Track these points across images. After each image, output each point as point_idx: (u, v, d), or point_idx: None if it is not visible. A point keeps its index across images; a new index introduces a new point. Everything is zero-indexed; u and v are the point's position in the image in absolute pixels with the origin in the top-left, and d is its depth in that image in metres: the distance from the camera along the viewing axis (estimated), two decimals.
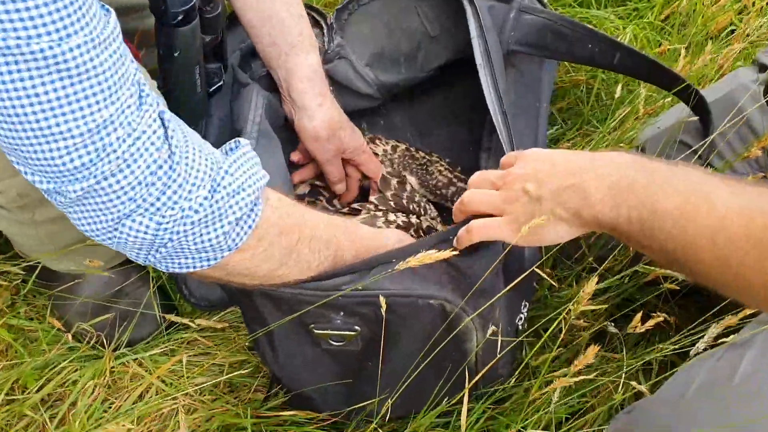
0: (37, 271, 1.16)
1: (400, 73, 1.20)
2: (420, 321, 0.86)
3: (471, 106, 1.20)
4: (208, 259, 0.75)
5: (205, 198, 0.70)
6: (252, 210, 0.74)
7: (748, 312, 0.86)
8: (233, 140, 0.78)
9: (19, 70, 0.57)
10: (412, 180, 1.19)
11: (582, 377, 0.81)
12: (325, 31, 1.16)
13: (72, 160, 0.63)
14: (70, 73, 0.59)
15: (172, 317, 1.10)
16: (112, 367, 1.12)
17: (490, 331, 0.88)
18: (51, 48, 0.57)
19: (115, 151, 0.64)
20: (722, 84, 1.18)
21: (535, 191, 0.77)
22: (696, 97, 1.09)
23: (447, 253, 0.80)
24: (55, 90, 0.59)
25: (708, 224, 0.65)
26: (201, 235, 0.72)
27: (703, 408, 0.77)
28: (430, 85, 1.26)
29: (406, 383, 0.90)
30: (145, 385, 1.10)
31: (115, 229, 0.69)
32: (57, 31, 0.57)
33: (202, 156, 0.71)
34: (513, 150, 0.92)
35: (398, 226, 1.05)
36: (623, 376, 0.96)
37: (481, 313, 0.86)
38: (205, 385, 1.10)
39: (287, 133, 1.12)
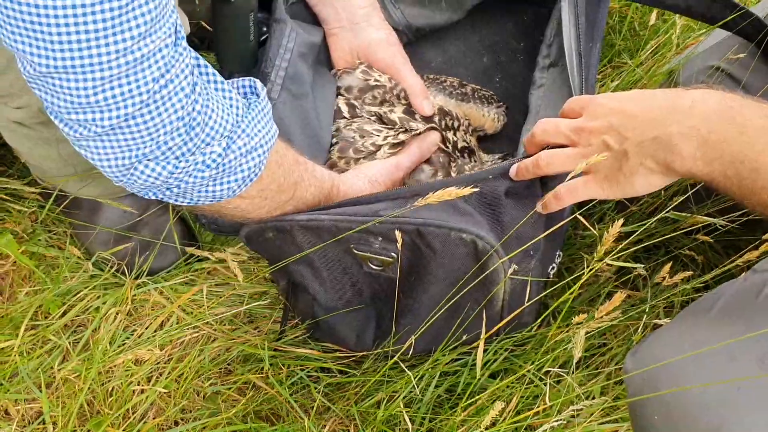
0: (53, 197, 1.16)
1: (436, 12, 1.15)
2: (451, 255, 0.86)
3: (515, 40, 1.20)
4: (209, 200, 0.76)
5: (219, 155, 0.71)
6: (259, 165, 0.75)
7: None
8: (250, 81, 0.77)
9: None
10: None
11: (603, 323, 0.80)
12: None
13: (104, 91, 0.61)
14: (120, 3, 0.58)
15: (193, 250, 1.10)
16: (134, 296, 1.14)
17: (520, 277, 0.88)
18: None
19: (149, 90, 0.63)
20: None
21: (617, 145, 0.74)
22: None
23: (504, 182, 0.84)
24: (104, 20, 0.58)
25: None
26: (208, 186, 0.73)
27: (728, 321, 0.76)
28: (461, 25, 1.21)
29: (432, 320, 0.90)
30: (166, 314, 1.12)
31: (129, 170, 0.69)
32: None
33: (223, 110, 0.70)
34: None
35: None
36: (645, 317, 0.96)
37: (515, 260, 0.86)
38: (225, 315, 1.11)
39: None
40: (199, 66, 0.71)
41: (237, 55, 1.04)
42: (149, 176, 0.69)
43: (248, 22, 1.00)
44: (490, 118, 1.13)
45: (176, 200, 0.76)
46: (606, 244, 0.74)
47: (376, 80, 1.07)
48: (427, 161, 1.05)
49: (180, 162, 0.69)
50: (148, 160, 0.68)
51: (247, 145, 0.73)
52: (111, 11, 0.58)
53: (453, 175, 1.04)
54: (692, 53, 1.13)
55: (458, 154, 1.07)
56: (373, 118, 1.05)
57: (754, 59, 1.07)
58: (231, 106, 0.72)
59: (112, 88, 0.62)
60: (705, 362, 0.73)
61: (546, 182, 0.88)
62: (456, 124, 1.08)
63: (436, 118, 1.06)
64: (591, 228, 0.84)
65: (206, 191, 0.74)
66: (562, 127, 0.81)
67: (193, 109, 0.67)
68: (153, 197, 0.75)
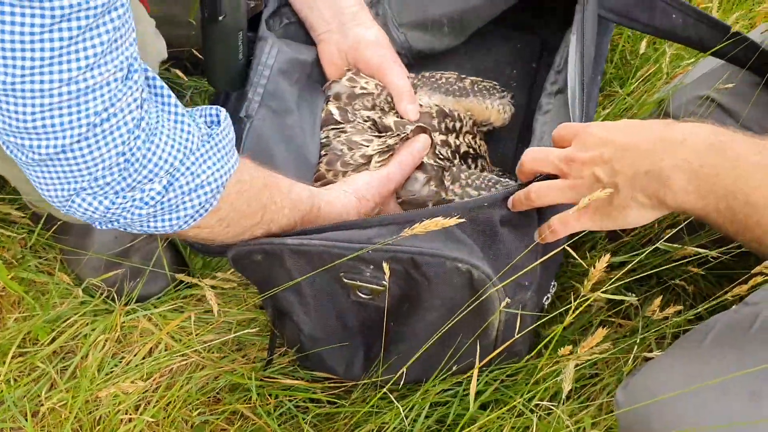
0: (41, 222, 1.15)
1: (437, 37, 1.14)
2: (446, 284, 0.85)
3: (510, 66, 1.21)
4: (157, 231, 0.75)
5: (158, 193, 0.69)
6: (209, 201, 0.73)
7: (760, 280, 0.84)
8: (216, 110, 0.76)
9: (33, 15, 0.55)
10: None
11: (593, 355, 0.80)
12: None
13: (43, 119, 0.61)
14: (71, 33, 0.57)
15: (182, 277, 1.09)
16: (123, 323, 1.13)
17: (515, 307, 0.87)
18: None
19: (89, 123, 0.62)
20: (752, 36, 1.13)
21: (608, 178, 0.74)
22: None
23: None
24: (51, 49, 0.57)
25: None
26: (149, 221, 0.72)
27: (719, 352, 0.76)
28: (456, 50, 1.21)
29: (424, 349, 0.90)
30: (154, 341, 1.11)
31: (68, 201, 0.68)
32: None
33: (172, 145, 0.69)
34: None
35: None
36: (635, 349, 0.95)
37: (510, 291, 0.86)
38: (213, 342, 1.10)
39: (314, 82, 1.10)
40: (157, 96, 0.70)
41: (227, 74, 1.04)
42: (86, 210, 0.68)
43: (237, 41, 1.01)
44: (494, 110, 1.08)
45: (126, 229, 0.74)
46: (593, 278, 0.74)
47: (362, 87, 1.05)
48: (420, 167, 1.02)
49: (117, 198, 0.68)
50: (86, 193, 0.67)
51: (190, 183, 0.71)
52: (60, 40, 0.57)
53: (446, 183, 1.01)
54: (681, 82, 1.14)
55: (459, 161, 1.04)
56: (367, 123, 1.03)
57: (746, 87, 1.08)
58: (186, 140, 0.70)
59: (52, 117, 0.61)
60: (697, 396, 0.73)
61: (542, 210, 0.88)
62: (458, 125, 1.05)
63: (435, 121, 1.03)
64: (580, 259, 0.83)
65: (148, 226, 0.73)
66: (552, 156, 0.80)
67: (135, 145, 0.66)
68: (101, 228, 0.73)
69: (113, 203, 0.68)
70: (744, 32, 1.05)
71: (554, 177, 0.81)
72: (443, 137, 1.03)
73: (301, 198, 0.88)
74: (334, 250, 0.84)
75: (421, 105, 1.04)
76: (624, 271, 0.95)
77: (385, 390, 0.93)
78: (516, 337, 0.88)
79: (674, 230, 0.98)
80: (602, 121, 1.27)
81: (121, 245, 1.17)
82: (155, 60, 0.99)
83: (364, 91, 1.05)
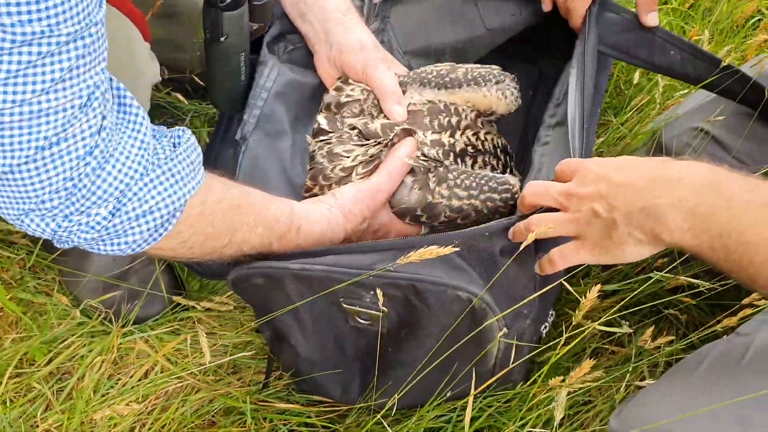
0: (40, 243, 1.16)
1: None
2: (446, 312, 0.86)
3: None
4: (111, 252, 0.74)
5: (104, 218, 0.69)
6: (163, 226, 0.73)
7: (749, 311, 0.86)
8: (179, 131, 0.76)
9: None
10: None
11: (585, 384, 0.80)
12: (365, 7, 1.11)
13: None
14: (30, 57, 0.58)
15: (179, 299, 1.10)
16: (120, 344, 1.14)
17: (514, 336, 0.88)
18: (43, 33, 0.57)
19: (38, 146, 0.63)
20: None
21: (606, 214, 0.75)
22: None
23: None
24: (8, 71, 0.58)
25: None
26: (98, 244, 0.72)
27: (712, 382, 0.77)
28: None
29: (422, 376, 0.90)
30: (150, 363, 1.11)
31: (19, 219, 0.68)
32: (48, 17, 0.58)
33: (122, 172, 0.69)
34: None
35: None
36: (628, 377, 0.96)
37: (509, 321, 0.86)
38: (209, 365, 1.11)
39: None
40: (127, 114, 0.70)
41: (228, 95, 1.05)
42: (36, 230, 0.69)
43: (239, 62, 1.02)
44: (494, 97, 1.01)
45: (85, 248, 0.74)
46: (584, 308, 0.75)
47: (347, 95, 1.03)
48: (409, 172, 0.97)
49: (64, 221, 0.68)
50: (34, 214, 0.68)
51: (137, 210, 0.71)
52: (18, 63, 0.58)
53: (431, 185, 0.97)
54: (674, 113, 1.15)
55: (454, 159, 0.99)
56: (354, 132, 0.99)
57: (739, 120, 1.10)
58: (139, 163, 0.70)
59: (2, 136, 0.61)
60: (689, 423, 0.74)
61: (540, 242, 0.89)
62: (455, 120, 1.00)
63: (426, 119, 0.99)
64: (573, 290, 0.84)
65: (98, 248, 0.73)
66: (551, 190, 0.82)
67: (83, 171, 0.66)
68: (60, 246, 0.73)
69: (59, 226, 0.69)
70: (735, 65, 1.08)
71: (555, 210, 0.83)
72: (435, 136, 0.98)
73: (278, 218, 0.86)
74: (335, 275, 0.85)
75: (412, 103, 1.00)
76: (617, 299, 0.96)
77: (379, 416, 0.94)
78: (513, 365, 0.89)
79: (666, 260, 1.00)
80: (597, 149, 1.29)
81: (119, 267, 1.18)
82: (148, 83, 0.99)
83: (350, 99, 1.02)
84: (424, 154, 0.97)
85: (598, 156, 1.29)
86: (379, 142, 0.98)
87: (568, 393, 0.93)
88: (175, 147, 0.74)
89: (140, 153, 0.70)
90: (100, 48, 0.65)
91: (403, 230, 0.99)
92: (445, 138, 0.99)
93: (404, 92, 1.01)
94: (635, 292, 1.01)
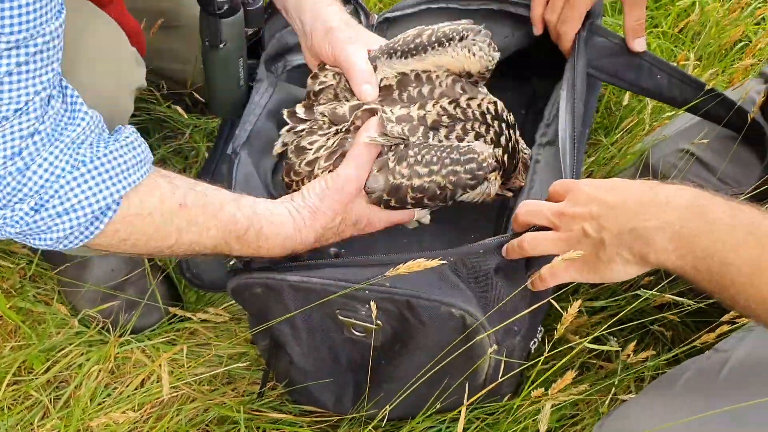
0: (39, 253, 1.19)
1: None
2: (439, 328, 0.88)
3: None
4: (44, 246, 0.76)
5: (26, 213, 0.71)
6: (91, 223, 0.74)
7: (726, 328, 0.89)
8: (122, 130, 0.78)
9: None
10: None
11: (570, 396, 0.83)
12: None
13: None
14: None
15: (175, 310, 1.13)
16: (117, 354, 1.16)
17: (504, 352, 0.90)
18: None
19: None
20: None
21: (595, 234, 0.78)
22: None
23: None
24: None
25: None
26: (27, 239, 0.74)
27: (691, 396, 0.80)
28: None
29: (413, 388, 0.92)
30: (147, 372, 1.14)
31: None
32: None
33: (43, 169, 0.71)
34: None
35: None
36: (613, 390, 0.98)
37: (500, 338, 0.88)
38: (204, 375, 1.13)
39: None
40: (74, 113, 0.72)
41: (227, 100, 1.07)
42: None
43: (237, 68, 1.04)
44: (461, 56, 0.93)
45: (18, 241, 0.76)
46: (566, 322, 0.78)
47: (321, 82, 0.98)
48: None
49: None
50: None
51: (57, 208, 0.72)
52: None
53: (390, 165, 0.90)
54: (660, 135, 1.19)
55: (425, 132, 0.91)
56: (324, 119, 0.95)
57: (724, 143, 1.13)
58: (67, 162, 0.72)
59: None
60: None
61: (530, 260, 0.91)
62: (426, 89, 0.93)
63: (396, 94, 0.93)
64: (557, 306, 0.87)
65: (28, 242, 0.75)
66: (544, 210, 0.85)
67: (9, 170, 0.69)
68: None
69: None
70: (721, 88, 1.11)
71: (548, 229, 0.86)
72: (403, 111, 0.91)
73: (235, 219, 0.84)
74: (333, 288, 0.87)
75: (384, 78, 0.94)
76: (605, 315, 0.99)
77: (370, 427, 0.96)
78: (501, 379, 0.91)
79: (653, 278, 1.02)
80: (587, 168, 1.32)
81: (117, 278, 1.20)
82: (131, 87, 0.99)
83: (324, 85, 0.98)
84: (385, 134, 0.90)
85: (589, 175, 1.32)
86: (341, 130, 0.93)
87: (556, 406, 0.96)
88: (111, 146, 0.76)
89: (69, 152, 0.72)
90: (49, 57, 0.67)
91: (388, 218, 0.95)
92: (414, 111, 0.92)
93: (375, 69, 0.95)
94: (625, 311, 1.03)
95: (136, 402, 1.09)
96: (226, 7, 0.99)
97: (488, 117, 0.94)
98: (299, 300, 0.90)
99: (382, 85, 0.94)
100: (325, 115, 0.94)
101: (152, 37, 1.20)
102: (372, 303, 0.85)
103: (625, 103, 1.32)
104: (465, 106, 0.93)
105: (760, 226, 0.70)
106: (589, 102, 1.13)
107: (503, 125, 0.95)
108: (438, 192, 0.91)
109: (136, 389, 1.12)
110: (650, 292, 0.99)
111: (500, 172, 0.97)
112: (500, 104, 0.97)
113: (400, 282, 0.85)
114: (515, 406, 0.94)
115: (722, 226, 0.72)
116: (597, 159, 1.30)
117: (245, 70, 1.05)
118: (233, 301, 1.22)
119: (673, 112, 1.32)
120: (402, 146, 0.90)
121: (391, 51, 0.94)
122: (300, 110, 0.97)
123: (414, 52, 0.93)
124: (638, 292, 1.02)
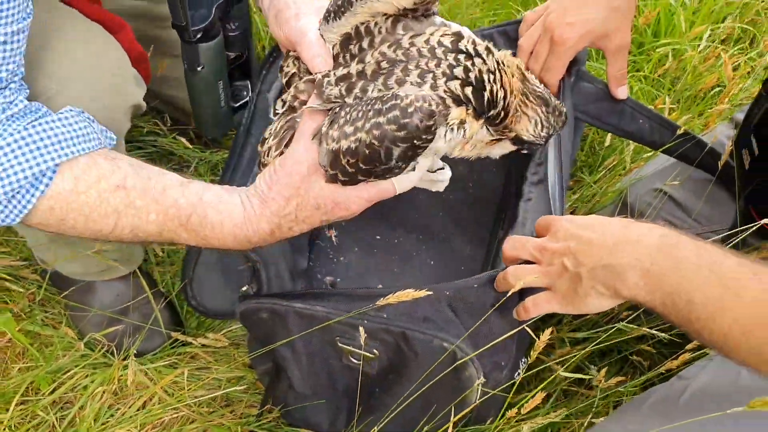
0: (47, 277, 1.24)
1: None
2: (431, 360, 0.93)
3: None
4: None
5: None
6: (24, 196, 0.77)
7: (687, 357, 0.96)
8: (65, 109, 0.81)
9: None
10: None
11: (546, 418, 0.89)
12: None
13: None
14: None
15: (177, 335, 1.18)
16: (120, 376, 1.21)
17: (490, 385, 0.95)
18: None
19: None
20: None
21: (573, 268, 0.84)
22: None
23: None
24: None
25: (740, 318, 0.73)
26: None
27: (652, 420, 0.85)
28: None
29: (400, 412, 0.97)
30: (149, 394, 1.19)
31: None
32: None
33: None
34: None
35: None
36: (590, 415, 1.04)
37: (488, 371, 0.93)
38: (203, 398, 1.18)
39: None
40: (12, 106, 0.77)
41: (210, 119, 1.14)
42: None
43: (217, 90, 1.10)
44: None
45: None
46: (538, 349, 0.84)
47: (285, 73, 0.91)
48: None
49: None
50: None
51: None
52: None
53: (323, 129, 0.81)
54: (638, 175, 1.26)
55: (360, 88, 0.81)
56: (285, 107, 0.89)
57: (697, 183, 1.20)
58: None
59: None
60: None
61: (523, 297, 0.96)
62: (366, 42, 0.83)
63: (341, 56, 0.84)
64: (533, 334, 0.92)
65: None
66: (528, 245, 0.91)
67: None
68: None
69: None
70: (695, 132, 1.19)
71: (532, 262, 0.92)
72: (343, 71, 0.83)
73: (178, 203, 0.82)
74: (334, 316, 0.94)
75: (333, 45, 0.86)
76: (586, 346, 1.05)
77: None
78: (487, 406, 0.97)
79: (632, 312, 1.09)
80: (571, 204, 1.39)
81: (121, 303, 1.26)
82: (128, 104, 1.01)
83: (289, 75, 0.90)
84: (324, 99, 0.82)
85: (572, 211, 1.39)
86: (285, 109, 0.87)
87: (534, 429, 1.01)
88: (41, 119, 0.78)
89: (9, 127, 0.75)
90: (5, 61, 0.74)
91: (358, 195, 0.85)
92: (354, 67, 0.82)
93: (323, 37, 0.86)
94: (604, 342, 1.09)
95: (138, 422, 1.14)
96: (200, 34, 1.04)
97: (439, 51, 0.81)
98: (303, 327, 0.96)
99: (335, 53, 0.85)
100: (284, 103, 0.88)
101: (159, 65, 1.27)
102: (361, 329, 0.91)
103: (607, 143, 1.40)
104: (407, 46, 0.81)
105: (722, 266, 0.76)
106: (574, 142, 1.20)
107: (461, 56, 0.81)
108: (368, 153, 0.79)
109: (138, 410, 1.17)
110: (628, 325, 1.06)
111: (469, 109, 0.82)
112: (465, 32, 0.84)
113: (397, 316, 0.91)
114: (495, 430, 1.00)
115: (689, 264, 0.77)
116: (581, 196, 1.37)
117: (227, 91, 1.11)
118: (233, 327, 1.29)
119: (651, 153, 1.40)
120: (337, 108, 0.81)
121: (327, 15, 0.85)
122: (279, 105, 0.90)
123: (343, 9, 0.83)
124: (618, 325, 1.08)
